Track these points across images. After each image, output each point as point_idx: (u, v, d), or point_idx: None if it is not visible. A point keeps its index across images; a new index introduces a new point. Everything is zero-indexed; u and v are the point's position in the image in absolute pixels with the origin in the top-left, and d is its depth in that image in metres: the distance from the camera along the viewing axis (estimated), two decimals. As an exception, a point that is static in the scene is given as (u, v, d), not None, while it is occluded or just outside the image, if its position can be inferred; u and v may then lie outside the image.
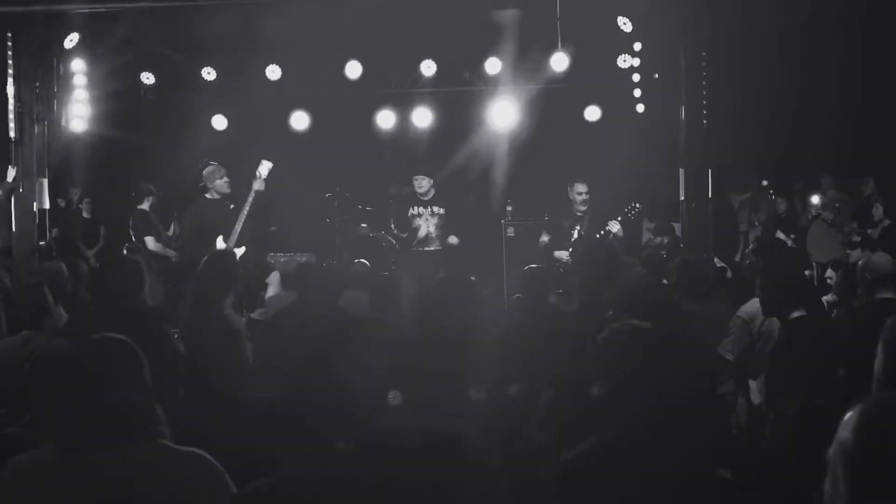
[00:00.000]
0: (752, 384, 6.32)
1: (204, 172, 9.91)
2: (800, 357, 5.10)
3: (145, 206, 10.93)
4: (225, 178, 9.90)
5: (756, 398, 6.24)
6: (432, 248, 10.62)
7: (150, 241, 10.70)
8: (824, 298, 8.38)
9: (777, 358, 5.39)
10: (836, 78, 11.98)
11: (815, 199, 12.02)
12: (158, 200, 11.13)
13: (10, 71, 10.04)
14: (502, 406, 4.57)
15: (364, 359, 2.74)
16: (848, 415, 1.87)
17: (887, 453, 1.79)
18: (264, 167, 9.84)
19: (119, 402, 2.84)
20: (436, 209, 10.63)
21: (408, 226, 10.64)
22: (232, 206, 9.83)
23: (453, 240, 10.60)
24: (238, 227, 9.61)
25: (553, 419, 4.47)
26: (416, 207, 10.66)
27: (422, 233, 10.62)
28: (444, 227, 10.62)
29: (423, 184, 10.60)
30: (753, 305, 6.32)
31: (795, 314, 5.45)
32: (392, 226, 10.79)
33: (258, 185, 9.73)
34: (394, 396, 2.52)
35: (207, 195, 9.99)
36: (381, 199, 12.75)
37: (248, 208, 9.67)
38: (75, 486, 2.78)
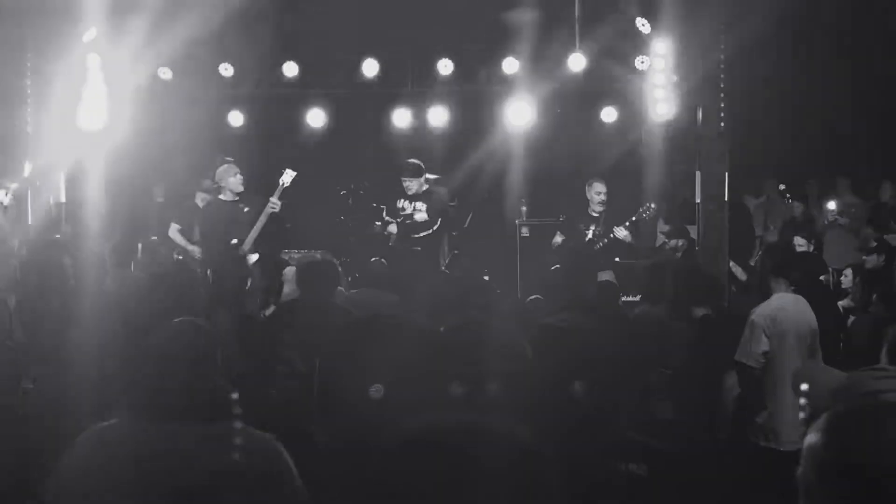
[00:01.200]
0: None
1: (217, 171, 9.91)
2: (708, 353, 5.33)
3: (198, 200, 11.00)
4: (239, 176, 9.89)
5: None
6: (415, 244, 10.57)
7: (172, 229, 10.72)
8: (840, 303, 8.35)
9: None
10: (855, 81, 11.93)
11: (832, 205, 11.96)
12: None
13: (28, 65, 10.09)
14: (479, 403, 4.54)
15: (371, 357, 2.73)
16: (817, 422, 1.90)
17: (856, 460, 1.81)
18: (287, 176, 9.81)
19: (202, 382, 3.01)
20: (419, 205, 10.56)
21: (395, 216, 10.59)
22: (246, 208, 9.81)
23: (421, 216, 10.51)
24: (254, 235, 9.59)
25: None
26: (402, 201, 10.60)
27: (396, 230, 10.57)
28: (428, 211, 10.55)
29: (411, 185, 10.53)
30: (770, 305, 6.30)
31: (701, 312, 5.70)
32: (385, 215, 10.72)
33: (272, 207, 9.67)
34: (376, 390, 2.52)
35: (221, 196, 10.00)
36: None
37: (265, 218, 9.65)
38: (152, 458, 2.89)
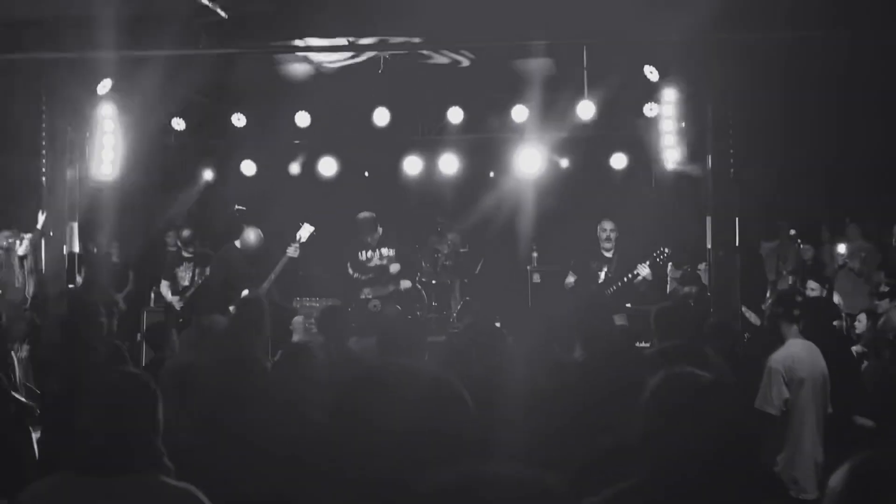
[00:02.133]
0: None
1: (246, 234, 10.00)
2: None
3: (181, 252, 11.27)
4: (260, 234, 9.98)
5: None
6: (386, 293, 10.54)
7: (163, 286, 10.94)
8: (854, 349, 8.30)
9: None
10: (866, 125, 11.94)
11: (842, 249, 11.93)
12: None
13: (43, 116, 10.19)
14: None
15: (387, 405, 2.73)
16: (839, 470, 1.90)
17: None
18: (305, 231, 9.87)
19: (125, 435, 3.02)
20: (384, 251, 10.56)
21: (363, 269, 10.55)
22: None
23: (406, 283, 10.49)
24: (266, 286, 9.63)
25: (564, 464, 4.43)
26: (364, 252, 10.57)
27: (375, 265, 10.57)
28: (398, 260, 10.52)
29: (371, 241, 10.55)
30: (786, 352, 6.27)
31: None
32: (349, 269, 10.70)
33: (293, 252, 9.73)
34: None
35: (237, 242, 10.08)
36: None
37: (279, 270, 9.69)
38: None
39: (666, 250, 9.81)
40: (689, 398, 2.78)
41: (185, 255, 11.27)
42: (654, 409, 2.83)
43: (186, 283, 10.96)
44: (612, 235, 10.09)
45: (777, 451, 6.18)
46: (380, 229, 10.60)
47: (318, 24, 9.61)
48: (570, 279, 10.36)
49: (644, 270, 9.66)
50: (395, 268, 10.48)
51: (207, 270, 10.87)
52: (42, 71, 10.07)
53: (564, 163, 12.79)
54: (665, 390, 2.84)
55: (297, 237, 9.86)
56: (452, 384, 2.62)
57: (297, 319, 9.84)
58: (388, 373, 2.92)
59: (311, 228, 9.87)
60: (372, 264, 10.49)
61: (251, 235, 10.02)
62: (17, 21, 9.55)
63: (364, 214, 10.64)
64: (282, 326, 9.65)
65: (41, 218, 10.08)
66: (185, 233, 11.41)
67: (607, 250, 10.13)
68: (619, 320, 9.55)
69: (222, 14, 8.97)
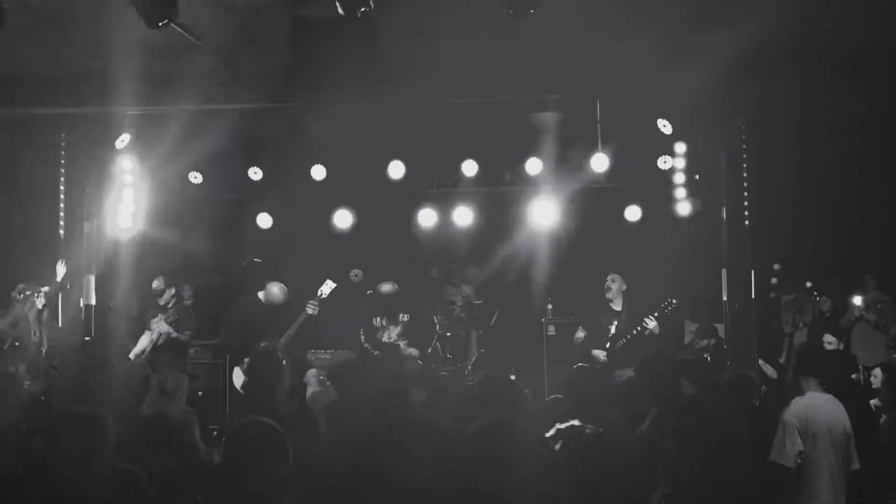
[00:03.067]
0: None
1: (271, 289, 10.01)
2: None
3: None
4: (280, 295, 9.99)
5: None
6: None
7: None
8: (872, 402, 8.23)
9: None
10: (881, 177, 11.94)
11: (858, 301, 11.86)
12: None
13: (62, 171, 10.30)
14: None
15: (406, 459, 2.73)
16: None
17: None
18: (327, 287, 9.89)
19: (257, 484, 2.93)
20: (401, 317, 10.49)
21: (375, 343, 10.45)
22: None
23: (413, 352, 10.41)
24: (283, 342, 9.64)
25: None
26: (378, 319, 10.49)
27: (385, 342, 10.49)
28: (408, 335, 10.42)
29: (395, 303, 10.50)
30: (802, 404, 6.22)
31: None
32: (362, 338, 10.60)
33: (312, 310, 9.74)
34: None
35: (260, 294, 10.09)
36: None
37: (297, 326, 9.70)
38: None
39: (673, 301, 9.79)
40: (583, 451, 2.80)
41: (160, 304, 11.17)
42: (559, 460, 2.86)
43: (154, 336, 10.90)
44: (613, 286, 10.09)
45: (794, 504, 6.12)
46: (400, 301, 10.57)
47: (335, 80, 9.72)
48: (580, 334, 10.34)
49: (651, 323, 9.64)
50: (413, 352, 10.43)
51: (160, 324, 10.82)
52: (61, 125, 10.20)
53: (579, 215, 12.81)
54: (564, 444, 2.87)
55: (319, 293, 9.88)
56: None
57: (311, 372, 9.81)
58: (402, 426, 2.93)
59: (334, 285, 9.89)
60: (384, 339, 10.43)
61: (276, 290, 10.03)
62: (37, 76, 9.70)
63: (387, 288, 10.59)
64: (297, 379, 9.64)
65: (59, 271, 10.14)
66: (155, 282, 11.32)
67: (611, 302, 10.13)
68: (630, 374, 9.50)
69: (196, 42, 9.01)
